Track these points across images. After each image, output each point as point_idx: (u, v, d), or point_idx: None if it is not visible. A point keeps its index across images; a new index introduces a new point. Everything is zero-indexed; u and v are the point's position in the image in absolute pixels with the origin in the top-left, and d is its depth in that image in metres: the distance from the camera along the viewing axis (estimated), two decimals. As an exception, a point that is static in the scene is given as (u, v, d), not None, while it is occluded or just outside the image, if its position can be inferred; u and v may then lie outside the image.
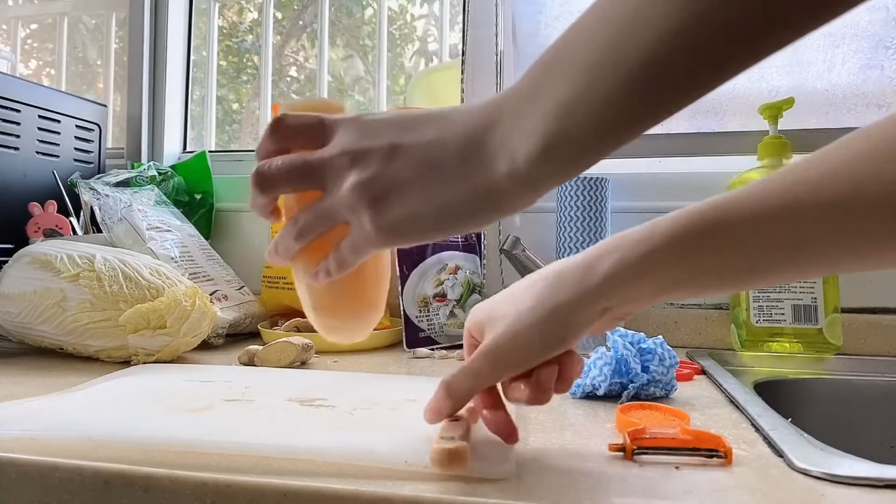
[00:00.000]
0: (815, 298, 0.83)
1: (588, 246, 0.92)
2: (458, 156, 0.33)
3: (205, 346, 0.80)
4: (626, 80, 0.28)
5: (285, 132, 0.38)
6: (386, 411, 0.49)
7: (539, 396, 0.38)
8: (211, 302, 0.76)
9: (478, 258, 0.93)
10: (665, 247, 0.34)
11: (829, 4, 0.25)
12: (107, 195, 0.95)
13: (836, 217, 0.29)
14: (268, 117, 1.28)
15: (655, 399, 0.57)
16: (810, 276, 0.34)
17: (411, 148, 0.34)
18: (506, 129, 0.32)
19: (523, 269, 0.84)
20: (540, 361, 0.38)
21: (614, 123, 0.29)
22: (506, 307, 0.39)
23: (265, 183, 0.38)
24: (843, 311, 0.84)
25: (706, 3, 0.26)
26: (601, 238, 0.93)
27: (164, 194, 1.06)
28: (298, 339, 0.72)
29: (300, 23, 1.62)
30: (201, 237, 1.01)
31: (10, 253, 0.78)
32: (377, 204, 0.34)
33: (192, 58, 1.34)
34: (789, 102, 0.86)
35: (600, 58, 0.29)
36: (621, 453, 0.41)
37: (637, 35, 0.27)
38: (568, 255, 0.92)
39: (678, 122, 1.01)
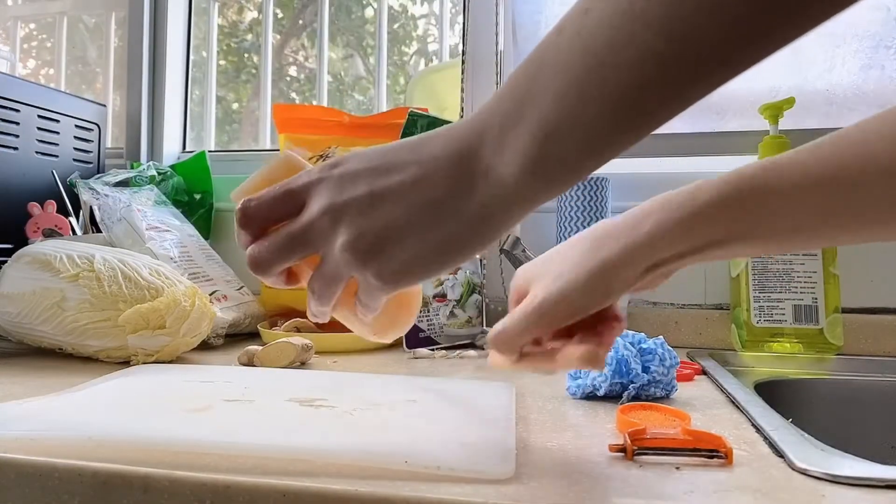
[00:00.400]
0: (816, 299, 0.83)
1: (588, 246, 0.92)
2: (446, 191, 0.33)
3: (204, 346, 0.80)
4: (609, 103, 0.28)
5: (254, 219, 0.38)
6: (386, 411, 0.49)
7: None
8: (210, 302, 0.76)
9: (478, 258, 0.93)
10: (711, 206, 0.34)
11: (813, 17, 0.25)
12: (106, 195, 0.95)
13: (887, 182, 0.31)
14: (268, 117, 1.28)
15: (656, 399, 0.57)
16: (856, 240, 0.35)
17: (395, 191, 0.33)
18: (491, 153, 0.32)
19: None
20: (583, 315, 0.38)
21: (599, 145, 0.29)
22: (551, 265, 0.39)
23: (261, 268, 0.38)
24: (844, 311, 0.84)
25: (685, 26, 0.26)
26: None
27: (164, 194, 1.06)
28: (298, 340, 0.72)
29: (300, 22, 1.62)
30: (201, 237, 1.01)
31: (9, 253, 0.78)
32: (373, 258, 0.34)
33: (191, 57, 1.34)
34: (790, 102, 0.86)
35: (583, 79, 0.28)
36: (622, 454, 0.41)
37: (618, 57, 0.27)
38: (568, 255, 0.92)
39: (678, 123, 1.01)
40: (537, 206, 0.33)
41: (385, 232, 0.33)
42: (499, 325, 0.40)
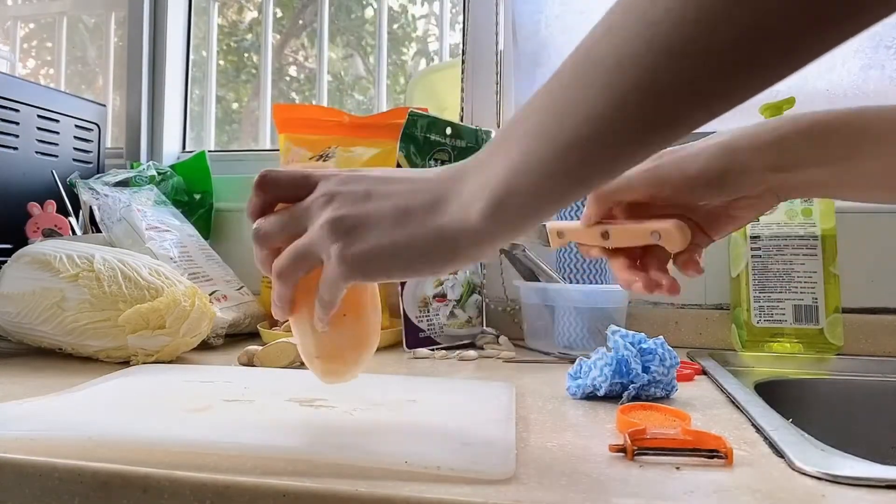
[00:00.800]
0: (816, 299, 0.83)
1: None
2: (422, 204, 0.35)
3: (204, 346, 0.80)
4: (558, 153, 0.29)
5: (269, 186, 0.41)
6: (386, 412, 0.49)
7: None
8: (210, 302, 0.76)
9: (478, 258, 0.93)
10: (831, 114, 0.41)
11: (766, 77, 0.25)
12: (106, 195, 0.95)
13: None
14: (268, 117, 1.28)
15: (656, 399, 0.57)
16: None
17: (384, 194, 0.37)
18: (466, 185, 0.34)
19: (523, 268, 0.84)
20: (699, 191, 0.41)
21: (552, 191, 0.31)
22: (664, 153, 0.42)
23: (261, 238, 0.41)
24: (844, 311, 0.84)
25: (624, 87, 0.26)
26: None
27: (164, 194, 1.06)
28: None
29: (300, 22, 1.62)
30: (200, 237, 1.01)
31: (9, 253, 0.78)
32: (345, 237, 0.36)
33: (191, 57, 1.33)
34: (790, 102, 0.86)
35: (540, 129, 0.30)
36: (622, 454, 0.41)
37: (569, 111, 0.29)
38: (567, 254, 0.92)
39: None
40: (496, 245, 0.35)
41: (362, 219, 0.36)
42: None
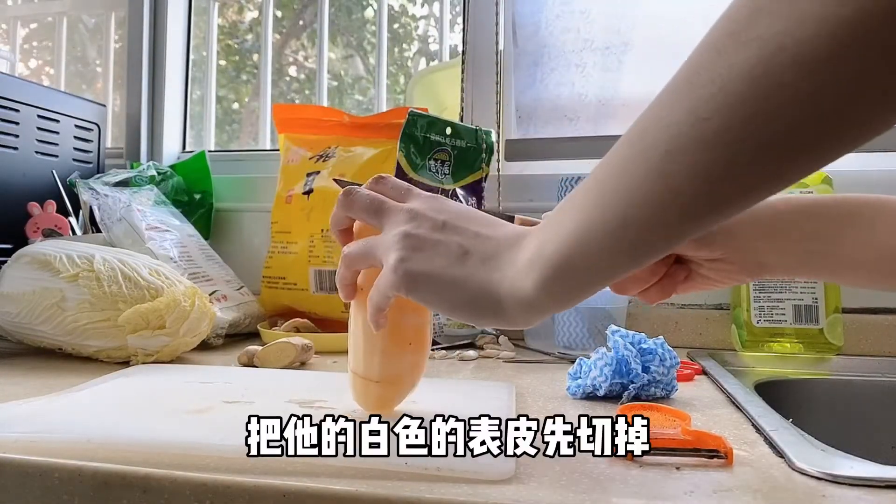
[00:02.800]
0: (816, 299, 0.83)
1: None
2: (481, 254, 0.37)
3: (204, 346, 0.80)
4: (611, 232, 0.30)
5: (385, 181, 0.44)
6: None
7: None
8: (210, 302, 0.76)
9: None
10: (830, 198, 0.43)
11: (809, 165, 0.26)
12: (106, 195, 0.95)
13: None
14: (268, 117, 1.28)
15: (656, 399, 0.57)
16: None
17: (458, 230, 0.39)
18: (522, 252, 0.36)
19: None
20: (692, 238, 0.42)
21: (604, 268, 0.32)
22: None
23: (349, 201, 0.43)
24: (844, 311, 0.84)
25: (679, 177, 0.27)
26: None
27: (164, 194, 1.06)
28: (298, 340, 0.72)
29: (300, 22, 1.62)
30: (200, 237, 1.01)
31: (9, 253, 0.78)
32: (407, 251, 0.38)
33: (191, 57, 1.33)
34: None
35: (595, 208, 0.31)
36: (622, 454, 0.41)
37: (623, 193, 0.29)
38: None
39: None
40: (539, 316, 0.36)
41: (430, 244, 0.38)
42: None
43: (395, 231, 0.40)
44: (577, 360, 0.61)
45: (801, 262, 0.42)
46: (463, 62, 1.06)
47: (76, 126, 1.08)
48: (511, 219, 0.47)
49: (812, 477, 0.38)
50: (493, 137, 0.94)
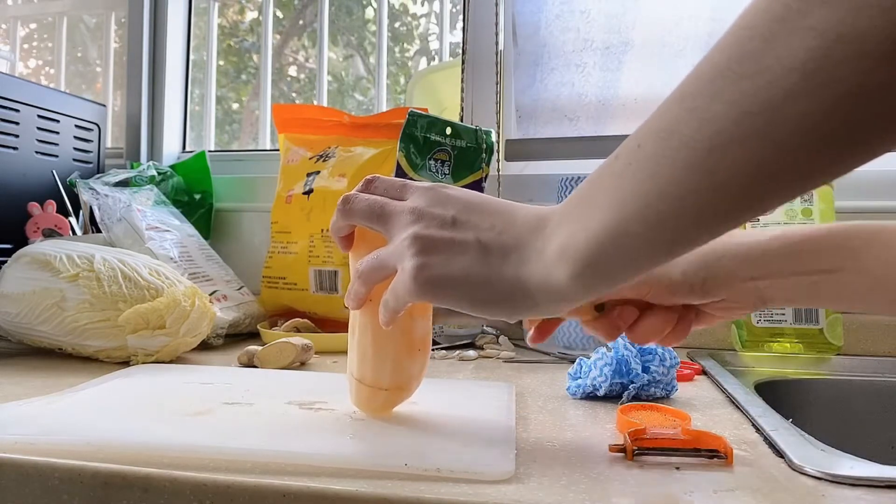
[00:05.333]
0: (816, 298, 0.82)
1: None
2: (502, 249, 0.36)
3: (204, 346, 0.80)
4: (652, 224, 0.29)
5: (375, 183, 0.43)
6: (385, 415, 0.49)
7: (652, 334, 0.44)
8: (210, 302, 0.76)
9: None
10: (822, 232, 0.42)
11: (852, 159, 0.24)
12: (106, 195, 0.95)
13: None
14: (268, 117, 1.28)
15: (656, 399, 0.57)
16: None
17: (470, 225, 0.37)
18: (549, 242, 0.34)
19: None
20: (680, 295, 0.42)
21: (641, 259, 0.31)
22: None
23: (347, 209, 0.42)
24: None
25: (723, 173, 0.26)
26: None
27: (164, 194, 1.06)
28: (298, 340, 0.72)
29: (300, 22, 1.62)
30: (200, 237, 1.01)
31: (9, 253, 0.78)
32: (423, 256, 0.37)
33: (191, 57, 1.33)
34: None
35: (632, 197, 0.30)
36: (622, 454, 0.41)
37: (663, 184, 0.28)
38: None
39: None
40: (567, 305, 0.35)
41: (446, 244, 0.37)
42: None
43: (404, 235, 0.38)
44: (577, 360, 0.61)
45: (800, 295, 0.42)
46: (463, 62, 1.06)
47: (76, 126, 1.08)
48: None
49: (812, 477, 0.38)
50: (493, 137, 0.94)
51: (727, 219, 0.28)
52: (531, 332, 0.46)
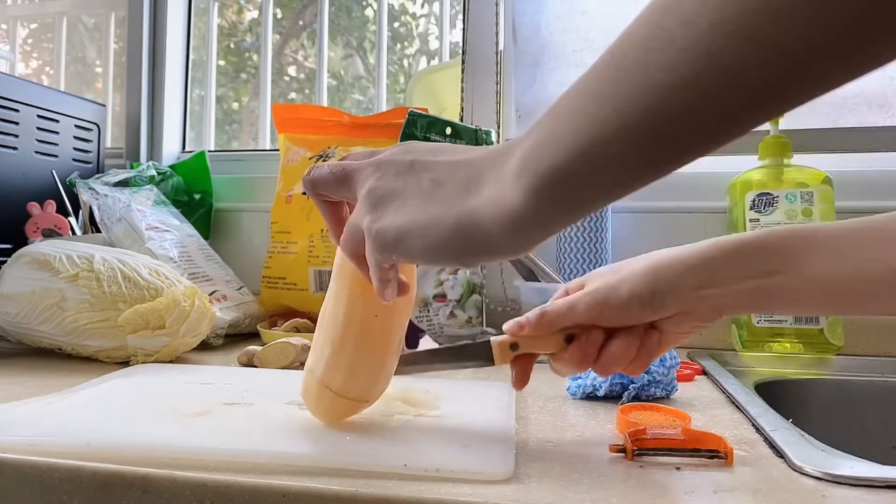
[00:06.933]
0: (816, 298, 0.82)
1: (587, 247, 0.92)
2: (456, 181, 0.33)
3: (204, 346, 0.80)
4: (624, 124, 0.26)
5: (312, 186, 0.41)
6: (386, 416, 0.48)
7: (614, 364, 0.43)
8: (210, 302, 0.76)
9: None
10: (767, 235, 0.41)
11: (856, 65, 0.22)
12: (105, 195, 0.95)
13: None
14: (268, 117, 1.28)
15: (656, 400, 0.57)
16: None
17: (426, 165, 0.35)
18: (507, 165, 0.31)
19: (523, 269, 0.84)
20: (631, 312, 0.41)
21: (608, 171, 0.27)
22: (607, 272, 0.44)
23: (310, 180, 0.40)
24: (844, 311, 0.84)
25: (726, 57, 0.23)
26: (601, 239, 0.92)
27: (163, 194, 1.06)
28: (298, 340, 0.72)
29: (300, 22, 1.62)
30: (200, 237, 1.01)
31: (8, 253, 0.78)
32: (376, 209, 0.35)
33: (191, 57, 1.33)
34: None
35: (600, 102, 0.27)
36: (622, 454, 0.41)
37: (634, 85, 0.25)
38: (567, 255, 0.92)
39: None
40: (536, 237, 0.31)
41: (396, 191, 0.35)
42: (538, 309, 0.43)
43: (362, 192, 0.36)
44: (577, 360, 0.60)
45: (748, 301, 0.41)
46: (463, 62, 1.06)
47: (76, 126, 1.08)
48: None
49: (812, 477, 0.38)
50: (493, 137, 0.94)
51: (704, 124, 0.24)
52: (513, 375, 0.45)
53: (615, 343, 0.42)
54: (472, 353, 0.46)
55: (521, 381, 0.45)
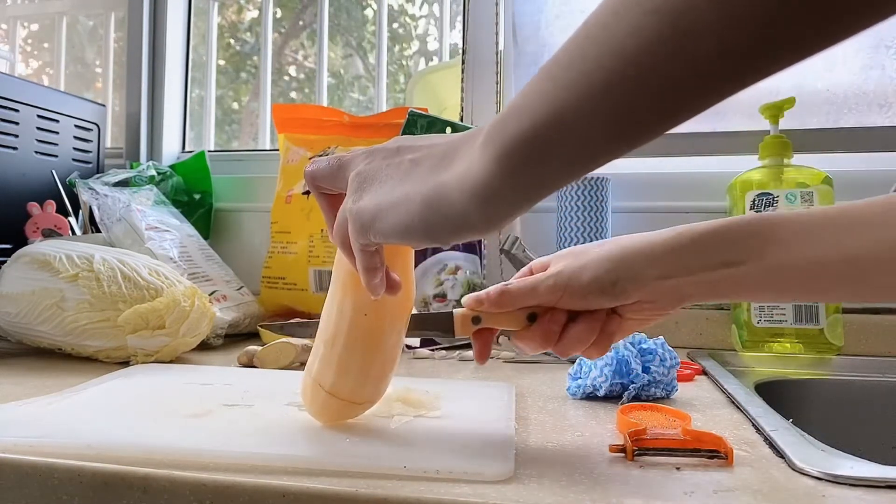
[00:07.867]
0: (816, 298, 0.82)
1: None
2: (430, 158, 0.34)
3: (204, 346, 0.80)
4: (589, 100, 0.26)
5: (311, 180, 0.42)
6: (385, 416, 0.48)
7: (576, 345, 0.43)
8: (210, 302, 0.76)
9: (478, 258, 0.93)
10: (732, 224, 0.41)
11: (843, 24, 0.21)
12: (105, 195, 0.95)
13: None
14: (268, 117, 1.28)
15: (656, 400, 0.57)
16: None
17: (411, 149, 0.36)
18: (477, 138, 0.31)
19: (521, 266, 0.84)
20: (590, 300, 0.41)
21: (575, 138, 0.27)
22: (578, 251, 0.44)
23: (311, 175, 0.41)
24: (845, 311, 0.84)
25: (693, 17, 0.23)
26: (602, 238, 0.92)
27: (163, 194, 1.06)
28: (298, 340, 0.72)
29: (300, 22, 1.62)
30: (200, 237, 1.01)
31: (8, 253, 0.78)
32: (358, 191, 0.36)
33: (190, 57, 1.33)
34: (790, 102, 0.86)
35: (564, 74, 0.27)
36: (622, 454, 0.41)
37: (602, 51, 0.25)
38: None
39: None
40: (506, 210, 0.31)
41: (374, 173, 0.36)
42: (500, 286, 0.43)
43: (350, 176, 0.37)
44: (578, 361, 0.60)
45: (712, 289, 0.41)
46: (463, 62, 1.06)
47: (76, 126, 1.08)
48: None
49: (812, 477, 0.38)
50: (493, 137, 0.94)
51: (666, 87, 0.24)
52: (475, 349, 0.45)
53: (575, 327, 0.42)
54: (434, 323, 0.46)
55: (482, 355, 0.45)
